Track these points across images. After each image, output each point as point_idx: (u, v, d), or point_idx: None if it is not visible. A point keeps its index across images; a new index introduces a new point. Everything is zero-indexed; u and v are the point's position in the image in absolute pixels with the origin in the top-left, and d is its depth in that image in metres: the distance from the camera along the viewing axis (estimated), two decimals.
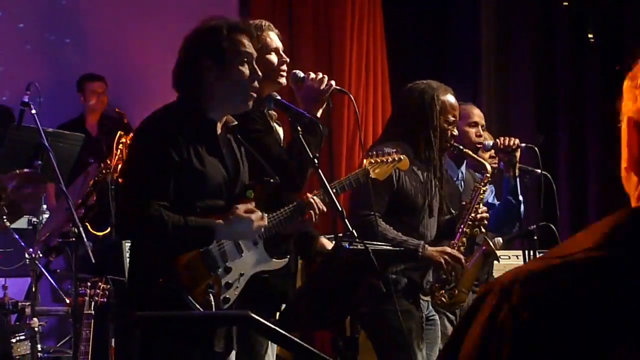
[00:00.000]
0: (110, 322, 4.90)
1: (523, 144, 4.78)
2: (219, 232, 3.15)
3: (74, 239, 4.58)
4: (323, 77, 3.68)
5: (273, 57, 3.74)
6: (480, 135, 4.91)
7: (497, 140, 4.80)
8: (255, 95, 3.27)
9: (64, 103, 7.02)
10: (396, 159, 3.86)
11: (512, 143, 4.73)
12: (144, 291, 3.15)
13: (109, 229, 5.91)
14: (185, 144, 3.14)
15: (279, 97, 3.58)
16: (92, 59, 7.16)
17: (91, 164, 5.42)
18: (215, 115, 3.27)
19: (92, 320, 4.47)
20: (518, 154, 4.77)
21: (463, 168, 4.81)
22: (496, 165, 5.05)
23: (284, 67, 3.77)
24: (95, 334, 4.48)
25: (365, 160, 3.80)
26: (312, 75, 3.69)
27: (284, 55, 3.78)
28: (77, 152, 5.23)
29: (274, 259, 3.36)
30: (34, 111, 4.79)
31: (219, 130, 3.30)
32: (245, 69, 3.23)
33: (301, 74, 3.70)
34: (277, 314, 3.59)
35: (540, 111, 7.39)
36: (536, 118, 7.35)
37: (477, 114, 4.98)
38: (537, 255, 4.57)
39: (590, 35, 7.13)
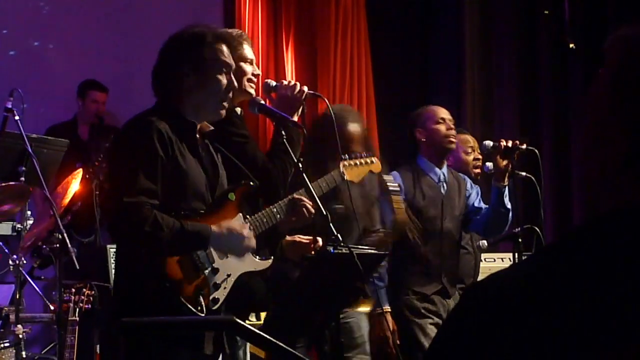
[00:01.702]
0: (95, 329, 4.89)
1: (523, 146, 4.74)
2: (213, 239, 3.17)
3: (58, 245, 4.56)
4: (295, 83, 3.71)
5: (248, 67, 3.79)
6: (479, 159, 4.95)
7: (500, 142, 4.74)
8: (227, 105, 3.30)
9: (48, 109, 6.99)
10: (369, 161, 3.94)
11: (512, 144, 4.70)
12: (132, 295, 3.15)
13: (93, 236, 5.91)
14: (170, 143, 3.16)
15: (263, 102, 3.60)
16: (76, 64, 7.13)
17: (78, 168, 5.41)
18: (192, 119, 3.28)
19: (77, 327, 4.45)
20: (516, 155, 4.73)
21: (444, 169, 4.81)
22: (479, 170, 5.06)
23: (255, 79, 3.83)
24: (80, 341, 4.46)
25: (340, 163, 3.86)
26: (284, 82, 3.72)
27: (256, 67, 3.85)
28: (61, 157, 5.21)
29: (259, 260, 3.37)
30: (17, 117, 4.77)
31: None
32: (223, 79, 3.26)
33: (273, 83, 3.74)
34: (250, 313, 3.59)
35: (524, 115, 7.42)
36: (520, 122, 7.38)
37: (472, 139, 5.04)
38: (522, 258, 4.58)
39: (571, 45, 7.15)
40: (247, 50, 3.81)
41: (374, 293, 4.45)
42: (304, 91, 3.71)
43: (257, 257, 3.38)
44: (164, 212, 3.10)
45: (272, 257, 3.44)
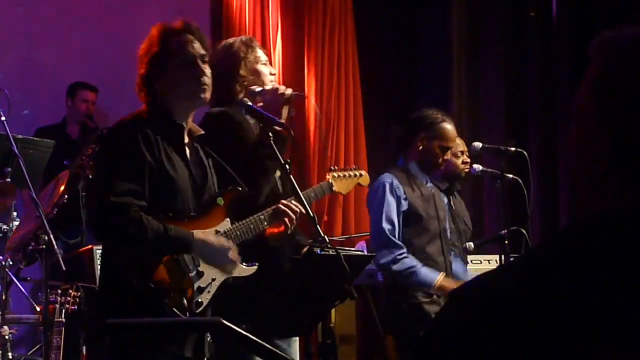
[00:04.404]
0: (81, 330, 4.87)
1: (512, 147, 4.70)
2: (195, 246, 3.19)
3: (44, 246, 4.55)
4: (277, 87, 3.75)
5: (265, 68, 3.88)
6: (467, 162, 4.86)
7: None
8: (204, 88, 3.28)
9: (38, 110, 6.99)
10: (358, 174, 3.93)
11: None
12: (116, 296, 3.15)
13: (79, 237, 5.89)
14: (157, 145, 3.18)
15: (250, 104, 3.59)
16: (69, 65, 7.12)
17: (66, 166, 5.40)
18: (179, 117, 3.31)
19: (63, 328, 4.44)
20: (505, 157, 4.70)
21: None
22: (468, 169, 5.05)
23: (273, 77, 3.93)
24: (66, 342, 4.44)
25: (328, 174, 3.86)
26: (268, 87, 3.75)
27: (271, 67, 3.97)
28: (47, 158, 5.20)
29: (243, 266, 3.36)
30: (3, 118, 4.75)
31: (185, 138, 3.32)
32: (185, 69, 3.27)
33: (258, 88, 3.76)
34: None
35: (511, 116, 7.43)
36: (507, 123, 7.38)
37: (461, 143, 4.89)
38: (509, 259, 4.59)
39: (532, 14, 7.23)
40: (261, 53, 3.90)
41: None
42: (285, 94, 3.72)
43: (244, 264, 3.37)
44: (149, 213, 3.12)
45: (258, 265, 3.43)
